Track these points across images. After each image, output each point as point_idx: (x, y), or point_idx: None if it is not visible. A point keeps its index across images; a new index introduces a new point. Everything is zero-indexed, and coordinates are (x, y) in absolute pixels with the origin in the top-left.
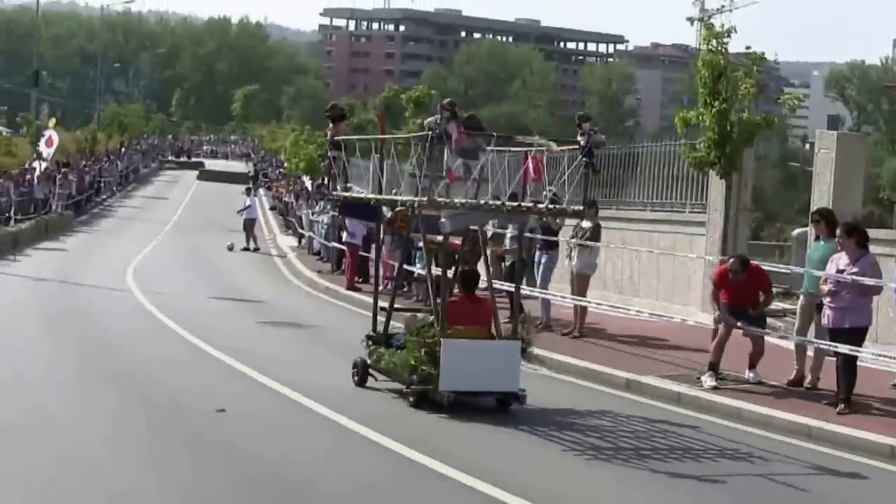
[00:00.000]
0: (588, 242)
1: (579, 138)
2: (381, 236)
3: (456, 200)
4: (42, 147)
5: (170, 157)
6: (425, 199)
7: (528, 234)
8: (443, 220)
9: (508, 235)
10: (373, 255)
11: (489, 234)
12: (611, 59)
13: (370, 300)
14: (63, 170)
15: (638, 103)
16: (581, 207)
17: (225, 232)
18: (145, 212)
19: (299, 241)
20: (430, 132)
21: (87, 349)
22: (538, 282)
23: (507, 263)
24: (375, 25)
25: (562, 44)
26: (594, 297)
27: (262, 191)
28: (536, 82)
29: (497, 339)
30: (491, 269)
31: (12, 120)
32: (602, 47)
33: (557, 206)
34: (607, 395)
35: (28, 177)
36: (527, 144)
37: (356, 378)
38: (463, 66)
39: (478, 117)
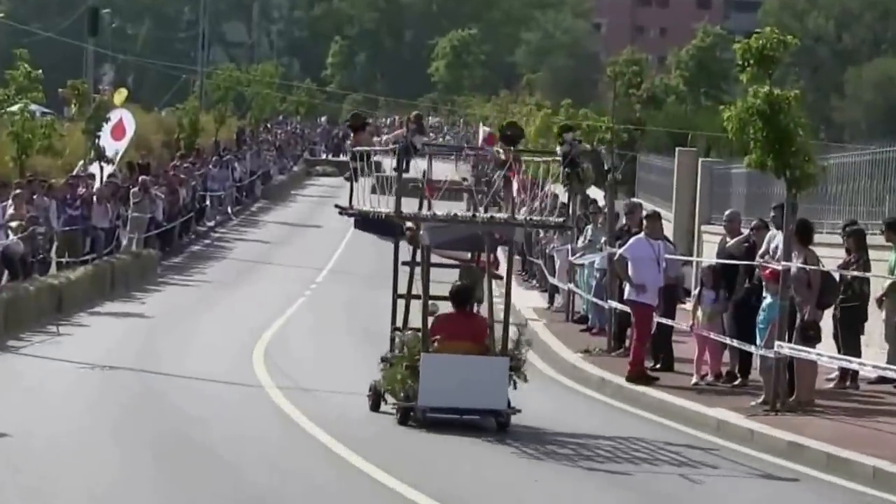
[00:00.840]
0: None
1: (558, 149)
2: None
3: (425, 213)
4: (106, 140)
5: (323, 155)
6: (392, 211)
7: None
8: (422, 233)
9: None
10: (679, 323)
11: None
12: None
13: (675, 401)
14: (141, 178)
15: None
16: (562, 219)
17: None
18: (282, 249)
19: (551, 300)
20: (395, 145)
21: None
22: None
23: None
24: None
25: None
26: None
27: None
28: None
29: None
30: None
31: (54, 92)
32: None
33: (536, 219)
34: None
35: (81, 191)
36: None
37: (370, 402)
38: None
39: (518, 125)
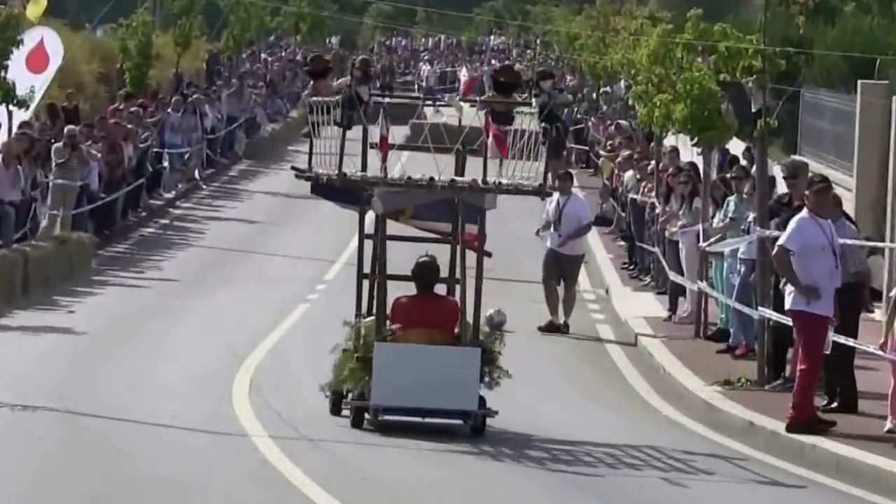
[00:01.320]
0: None
1: (534, 100)
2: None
3: (370, 175)
4: (19, 72)
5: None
6: (335, 174)
7: None
8: (374, 198)
9: None
10: (864, 343)
11: None
12: None
13: (860, 456)
14: (68, 128)
15: None
16: (539, 184)
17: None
18: (275, 233)
19: (673, 306)
20: (339, 96)
21: None
22: None
23: None
24: None
25: None
26: None
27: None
28: None
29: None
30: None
31: None
32: None
33: (506, 183)
34: None
35: None
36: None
37: (330, 404)
38: None
39: (515, 69)
